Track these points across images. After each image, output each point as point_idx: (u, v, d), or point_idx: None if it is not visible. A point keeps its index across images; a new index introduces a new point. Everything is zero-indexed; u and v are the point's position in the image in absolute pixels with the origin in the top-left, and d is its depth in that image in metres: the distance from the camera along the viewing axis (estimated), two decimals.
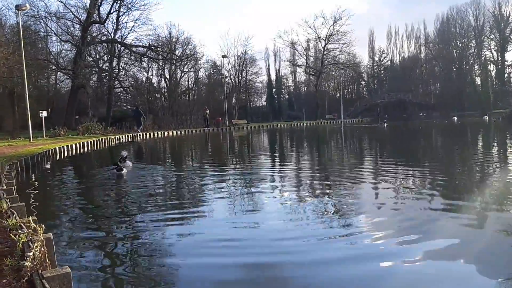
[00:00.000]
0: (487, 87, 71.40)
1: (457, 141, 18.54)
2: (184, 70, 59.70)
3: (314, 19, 66.54)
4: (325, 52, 67.50)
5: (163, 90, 59.63)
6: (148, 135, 32.33)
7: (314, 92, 69.88)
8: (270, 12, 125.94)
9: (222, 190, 7.54)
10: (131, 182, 8.87)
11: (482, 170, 8.93)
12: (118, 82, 47.81)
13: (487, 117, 40.64)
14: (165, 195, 7.46)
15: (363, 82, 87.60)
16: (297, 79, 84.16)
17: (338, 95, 71.23)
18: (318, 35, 67.59)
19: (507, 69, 73.25)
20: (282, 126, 50.56)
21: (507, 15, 69.76)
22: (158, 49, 48.23)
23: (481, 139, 18.66)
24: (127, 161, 10.83)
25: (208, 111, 44.81)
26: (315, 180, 8.63)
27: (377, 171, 9.13)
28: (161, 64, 54.50)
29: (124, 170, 9.71)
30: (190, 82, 63.16)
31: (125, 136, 28.30)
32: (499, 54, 72.96)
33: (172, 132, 36.48)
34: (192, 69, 61.33)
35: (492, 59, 74.90)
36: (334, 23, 65.13)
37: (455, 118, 49.63)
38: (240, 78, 67.76)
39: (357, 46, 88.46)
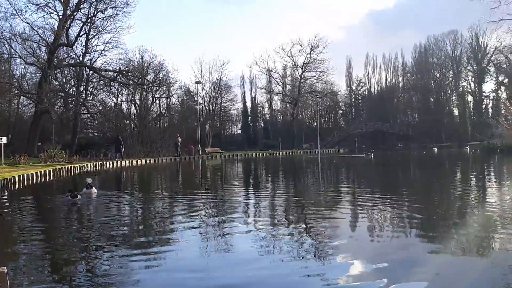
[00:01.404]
0: (465, 118, 71.06)
1: (449, 173, 17.06)
2: (155, 96, 57.45)
3: (291, 46, 65.23)
4: (302, 80, 66.39)
5: (133, 116, 57.03)
6: (115, 163, 30.35)
7: (290, 121, 68.27)
8: (246, 38, 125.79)
9: (192, 220, 7.01)
10: (95, 211, 8.75)
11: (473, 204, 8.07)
12: (85, 107, 45.23)
13: (468, 149, 39.65)
14: (131, 224, 7.13)
15: (340, 111, 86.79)
16: (274, 107, 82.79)
17: (315, 124, 69.77)
18: (295, 63, 66.59)
19: (484, 100, 73.41)
20: (257, 155, 48.48)
21: (485, 46, 70.26)
22: (129, 73, 45.87)
23: (475, 171, 17.22)
24: (92, 188, 10.86)
25: (180, 139, 42.50)
26: (291, 210, 8.10)
27: (362, 204, 8.20)
28: (131, 89, 52.11)
29: (79, 197, 9.72)
30: (161, 109, 60.88)
31: (91, 164, 26.68)
32: (476, 85, 73.24)
33: (141, 161, 34.38)
34: (164, 95, 59.09)
35: (470, 90, 75.13)
36: (311, 51, 64.27)
37: (435, 149, 48.58)
38: (214, 105, 65.85)
39: (335, 74, 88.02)
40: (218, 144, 60.27)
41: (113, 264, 4.46)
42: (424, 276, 3.81)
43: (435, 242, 5.12)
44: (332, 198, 9.69)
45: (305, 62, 65.22)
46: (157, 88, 54.38)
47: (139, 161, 34.12)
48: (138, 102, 56.04)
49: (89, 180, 11.15)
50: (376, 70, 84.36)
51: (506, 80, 69.74)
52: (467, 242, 5.09)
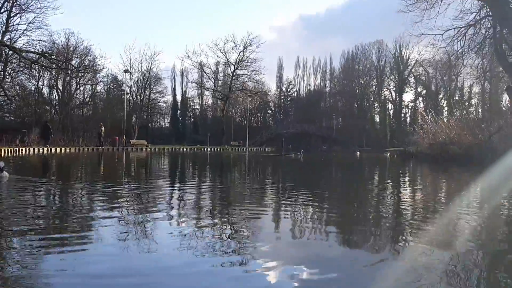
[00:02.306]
0: (385, 125, 75.12)
1: (370, 175, 17.83)
2: (80, 82, 54.92)
3: (224, 42, 65.07)
4: (234, 77, 66.43)
5: (54, 102, 54.03)
6: (32, 150, 28.61)
7: (220, 117, 68.18)
8: (179, 30, 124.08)
9: (112, 215, 6.42)
10: (4, 198, 7.92)
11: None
12: (2, 89, 41.96)
13: (388, 154, 41.86)
14: (45, 215, 6.33)
15: (269, 111, 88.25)
16: (204, 102, 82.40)
17: (245, 122, 70.39)
18: (227, 59, 66.47)
19: (404, 109, 77.98)
20: (185, 150, 47.87)
21: (407, 58, 74.57)
22: (53, 56, 43.10)
23: (391, 175, 18.16)
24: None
25: (103, 129, 40.91)
26: (216, 206, 7.86)
27: (286, 202, 7.81)
28: (54, 73, 49.21)
29: None
30: (86, 96, 58.30)
31: (4, 149, 24.88)
32: (397, 94, 77.57)
33: (61, 149, 32.82)
34: (89, 82, 56.70)
35: (391, 99, 79.47)
36: (244, 49, 64.47)
37: (358, 152, 50.70)
38: (142, 96, 64.09)
39: (266, 74, 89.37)
40: (145, 136, 58.79)
41: (19, 265, 3.86)
42: (336, 275, 3.83)
43: (352, 243, 5.22)
44: (258, 195, 9.64)
45: (237, 60, 65.38)
46: (82, 74, 52.01)
47: (58, 149, 32.52)
48: (61, 88, 53.23)
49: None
50: (306, 73, 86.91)
51: (424, 91, 74.58)
52: (381, 240, 5.30)
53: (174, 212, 6.84)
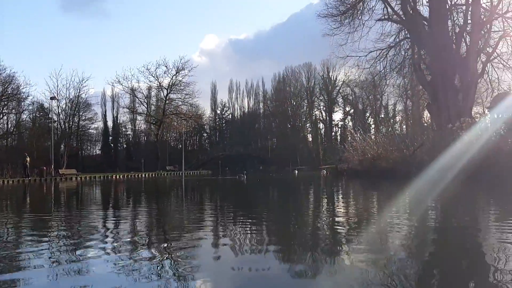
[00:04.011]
0: (317, 144, 77.40)
1: (310, 192, 18.23)
2: (3, 111, 51.82)
3: (156, 67, 64.46)
4: (167, 101, 65.76)
5: None
6: None
7: (154, 142, 66.92)
8: (108, 55, 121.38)
9: (41, 246, 6.07)
10: None
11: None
12: None
13: (325, 171, 43.15)
14: None
15: (205, 134, 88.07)
16: (137, 128, 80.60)
17: (180, 146, 69.60)
18: (160, 84, 65.78)
19: (334, 128, 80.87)
20: (118, 177, 46.31)
21: (334, 79, 77.72)
22: None
23: (332, 190, 18.70)
24: None
25: (28, 159, 38.67)
26: (152, 233, 7.69)
27: (225, 224, 7.72)
28: None
29: None
30: (10, 126, 55.06)
31: None
32: (327, 114, 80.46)
33: None
34: (13, 110, 53.67)
35: (322, 118, 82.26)
36: (177, 73, 64.21)
37: (296, 171, 51.72)
38: (71, 123, 61.63)
39: (200, 98, 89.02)
40: (75, 165, 56.29)
41: None
42: None
43: (293, 262, 5.21)
44: (195, 219, 9.53)
45: (170, 84, 64.92)
46: (5, 102, 49.24)
47: None
48: None
49: None
50: (240, 96, 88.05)
51: (352, 110, 77.96)
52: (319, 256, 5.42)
53: (108, 239, 6.63)
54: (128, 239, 6.77)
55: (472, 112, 32.22)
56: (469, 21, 29.99)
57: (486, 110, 36.54)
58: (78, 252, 5.69)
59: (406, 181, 17.95)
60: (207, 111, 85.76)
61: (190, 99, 66.41)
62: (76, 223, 8.92)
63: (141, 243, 6.44)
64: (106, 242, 6.47)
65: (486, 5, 30.11)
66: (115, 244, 6.38)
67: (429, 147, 26.06)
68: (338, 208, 11.17)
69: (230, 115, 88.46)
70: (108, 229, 8.21)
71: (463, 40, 30.88)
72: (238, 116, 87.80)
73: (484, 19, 29.75)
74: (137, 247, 6.08)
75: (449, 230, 7.09)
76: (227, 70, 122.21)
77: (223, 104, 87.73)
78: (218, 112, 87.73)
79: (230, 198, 17.43)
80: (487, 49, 30.84)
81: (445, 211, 9.76)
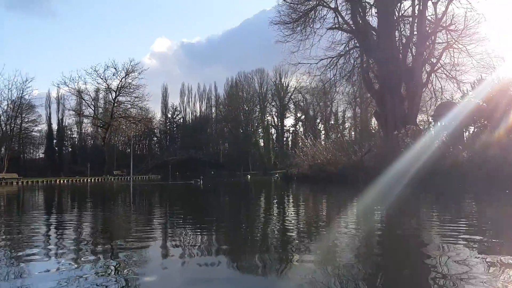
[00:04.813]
0: (269, 149, 77.88)
1: (261, 196, 18.17)
2: None
3: (104, 69, 62.66)
4: (115, 104, 64.00)
5: None
6: None
7: (101, 146, 64.87)
8: (55, 55, 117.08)
9: None
10: None
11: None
12: None
13: (277, 176, 43.45)
14: None
15: (155, 138, 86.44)
16: (84, 131, 77.86)
17: (129, 150, 67.91)
18: (108, 86, 63.95)
19: (285, 133, 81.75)
20: (62, 181, 44.49)
21: (286, 85, 78.57)
22: None
23: (283, 194, 18.74)
24: None
25: None
26: (96, 242, 7.23)
27: (172, 231, 7.57)
28: None
29: None
30: None
31: None
32: (279, 119, 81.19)
33: None
34: None
35: (274, 124, 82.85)
36: (126, 75, 62.67)
37: (248, 176, 51.71)
38: (13, 125, 58.68)
39: (150, 101, 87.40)
40: (16, 169, 53.61)
41: None
42: None
43: (240, 267, 5.18)
44: (142, 227, 9.21)
45: (119, 86, 63.31)
46: None
47: None
48: None
49: None
50: (191, 100, 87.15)
51: (303, 116, 79.06)
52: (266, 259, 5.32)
53: (52, 248, 6.32)
54: (72, 250, 6.28)
55: (417, 120, 33.37)
56: (415, 33, 31.10)
57: (430, 118, 38.03)
58: (18, 261, 5.43)
59: (354, 186, 18.26)
60: (157, 115, 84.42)
61: (140, 102, 65.13)
62: (17, 232, 8.34)
63: (85, 255, 5.97)
64: (49, 251, 6.12)
65: (431, 18, 31.33)
66: (59, 253, 6.01)
67: (376, 153, 26.72)
68: (289, 215, 11.10)
69: (182, 119, 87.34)
70: (51, 238, 7.70)
71: (409, 50, 31.97)
72: (190, 120, 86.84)
73: (429, 31, 30.94)
74: (81, 258, 5.66)
75: (391, 234, 7.20)
76: (178, 73, 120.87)
77: (175, 108, 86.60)
78: (169, 116, 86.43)
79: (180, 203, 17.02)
80: (432, 59, 32.04)
81: (389, 216, 9.90)
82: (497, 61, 30.40)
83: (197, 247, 6.35)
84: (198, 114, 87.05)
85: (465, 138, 27.37)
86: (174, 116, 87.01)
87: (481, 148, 20.73)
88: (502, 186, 16.30)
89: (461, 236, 6.53)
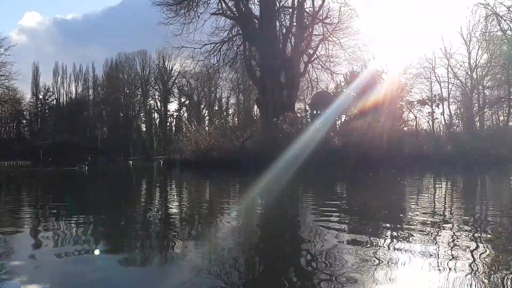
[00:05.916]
0: (151, 134, 75.98)
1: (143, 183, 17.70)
2: None
3: None
4: None
5: None
6: None
7: None
8: None
9: None
10: None
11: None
12: None
13: (162, 162, 42.72)
14: None
15: (24, 121, 79.09)
16: None
17: None
18: None
19: (169, 118, 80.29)
20: None
21: (170, 69, 76.86)
22: None
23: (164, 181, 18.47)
24: None
25: None
26: None
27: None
28: None
29: None
30: None
31: None
32: (162, 104, 79.38)
33: None
34: None
35: (156, 108, 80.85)
36: None
37: (130, 162, 50.07)
38: None
39: (19, 80, 79.37)
40: None
41: None
42: None
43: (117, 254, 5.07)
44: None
45: None
46: None
47: None
48: None
49: None
50: (66, 81, 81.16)
51: (187, 101, 78.42)
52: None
53: None
54: None
55: (296, 108, 35.12)
56: (294, 24, 32.54)
57: (307, 106, 40.31)
58: None
59: (235, 170, 18.70)
60: (27, 95, 77.03)
61: (7, 81, 58.72)
62: None
63: None
64: None
65: (309, 10, 33.01)
66: None
67: (257, 139, 27.65)
68: (171, 201, 11.08)
69: (55, 100, 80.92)
70: None
71: (288, 40, 33.38)
72: (64, 102, 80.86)
73: (307, 23, 32.61)
74: None
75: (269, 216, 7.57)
76: (51, 51, 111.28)
77: (47, 88, 79.79)
78: (41, 97, 79.50)
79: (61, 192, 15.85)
80: (309, 50, 33.83)
81: (268, 200, 10.36)
82: (367, 55, 33.21)
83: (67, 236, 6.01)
84: (73, 96, 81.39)
85: (337, 126, 29.63)
86: (46, 98, 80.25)
87: (348, 134, 22.63)
88: (366, 170, 18.03)
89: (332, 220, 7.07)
